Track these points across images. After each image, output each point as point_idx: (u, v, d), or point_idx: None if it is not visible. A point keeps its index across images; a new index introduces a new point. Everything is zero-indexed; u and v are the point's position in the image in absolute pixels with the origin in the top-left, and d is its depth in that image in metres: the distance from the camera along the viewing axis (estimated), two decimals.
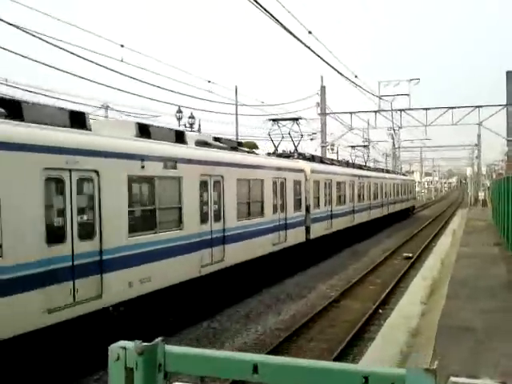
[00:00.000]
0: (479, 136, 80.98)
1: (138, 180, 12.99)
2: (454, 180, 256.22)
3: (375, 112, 46.12)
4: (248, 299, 19.24)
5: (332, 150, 64.67)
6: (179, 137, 15.58)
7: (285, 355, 12.93)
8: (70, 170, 10.39)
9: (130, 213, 12.18)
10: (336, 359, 12.50)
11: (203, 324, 15.98)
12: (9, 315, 9.08)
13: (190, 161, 15.08)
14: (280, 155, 26.44)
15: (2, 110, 9.72)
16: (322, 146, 45.47)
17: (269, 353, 12.74)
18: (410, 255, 29.33)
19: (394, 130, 66.79)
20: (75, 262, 10.38)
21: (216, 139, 18.57)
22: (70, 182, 10.37)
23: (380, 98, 43.81)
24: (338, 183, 31.33)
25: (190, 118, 37.98)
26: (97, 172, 11.05)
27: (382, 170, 55.84)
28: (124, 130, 13.11)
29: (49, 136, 10.01)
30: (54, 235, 10.05)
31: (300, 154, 27.91)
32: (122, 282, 11.83)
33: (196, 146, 16.64)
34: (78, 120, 11.21)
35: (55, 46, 18.62)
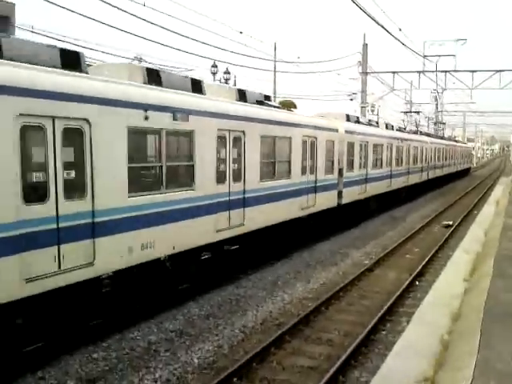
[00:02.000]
0: None
1: (141, 133, 11.30)
2: (496, 147, 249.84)
3: (419, 72, 43.79)
4: (277, 264, 18.52)
5: (372, 111, 62.25)
6: (196, 86, 13.76)
7: (312, 327, 12.45)
8: (53, 118, 8.83)
9: (130, 170, 10.46)
10: (368, 335, 11.70)
11: (228, 288, 15.31)
12: None
13: (204, 113, 13.31)
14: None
15: None
16: (362, 107, 43.27)
17: (295, 324, 12.18)
18: (450, 223, 28.20)
19: (437, 92, 63.98)
20: (60, 225, 8.88)
21: (240, 91, 16.60)
22: (54, 132, 8.79)
23: (424, 57, 41.45)
24: (375, 145, 29.61)
25: (225, 73, 36.25)
26: (87, 121, 9.41)
27: (429, 135, 53.65)
28: (130, 74, 11.41)
29: (27, 77, 8.38)
30: (34, 193, 8.56)
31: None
32: (118, 248, 10.39)
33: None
34: (70, 60, 9.54)
35: None
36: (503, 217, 23.83)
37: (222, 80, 36.41)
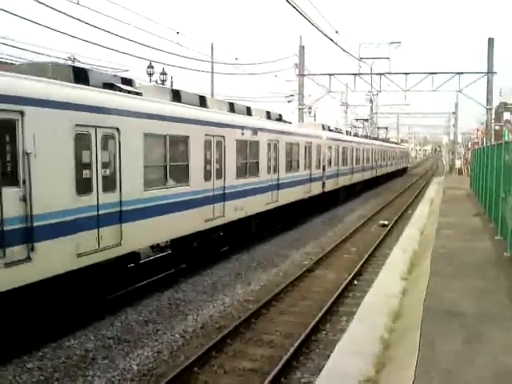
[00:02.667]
0: (457, 105, 79.99)
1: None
2: (428, 148, 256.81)
3: (355, 75, 44.33)
4: (216, 266, 18.33)
5: (309, 113, 62.81)
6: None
7: (253, 330, 12.39)
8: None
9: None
10: (309, 335, 11.69)
11: (167, 293, 15.05)
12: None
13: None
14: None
15: None
16: (300, 109, 43.52)
17: (236, 327, 12.09)
18: (386, 223, 28.74)
19: (372, 94, 65.17)
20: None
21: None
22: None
23: (360, 59, 42.10)
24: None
25: (161, 74, 35.74)
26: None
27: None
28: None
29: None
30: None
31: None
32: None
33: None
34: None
35: None
36: (437, 216, 24.39)
37: (159, 81, 35.90)
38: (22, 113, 9.53)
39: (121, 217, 12.35)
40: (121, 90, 12.99)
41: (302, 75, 43.69)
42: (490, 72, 42.52)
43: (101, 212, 11.64)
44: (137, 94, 13.67)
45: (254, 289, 15.78)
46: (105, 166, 11.84)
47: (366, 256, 19.85)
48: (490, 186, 22.09)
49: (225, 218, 18.13)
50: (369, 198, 44.54)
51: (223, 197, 17.93)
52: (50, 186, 10.26)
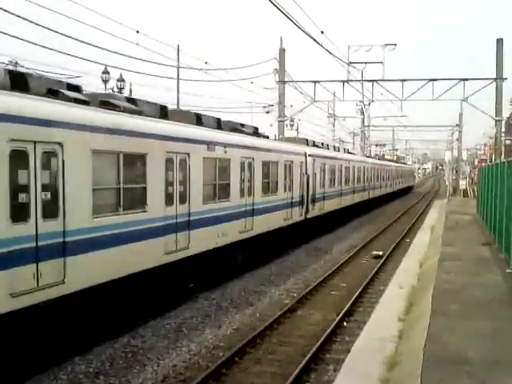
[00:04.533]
0: (461, 116, 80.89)
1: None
2: (429, 166, 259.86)
3: (343, 82, 44.60)
4: (181, 307, 18.11)
5: (291, 125, 63.21)
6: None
7: (223, 382, 12.25)
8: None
9: None
10: None
11: (122, 339, 14.79)
12: None
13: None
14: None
15: None
16: (280, 121, 43.57)
17: (204, 379, 11.89)
18: (380, 253, 28.84)
19: (363, 103, 65.76)
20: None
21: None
22: None
23: (349, 64, 42.31)
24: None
25: (118, 80, 35.68)
26: None
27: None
28: None
29: None
30: None
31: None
32: None
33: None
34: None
35: None
36: (440, 245, 24.49)
37: (116, 89, 35.87)
38: None
39: (64, 249, 12.12)
40: (66, 97, 12.85)
41: (282, 82, 43.87)
42: (498, 78, 43.09)
43: (40, 243, 11.40)
44: (84, 102, 13.53)
45: (225, 333, 15.65)
46: (45, 188, 11.63)
47: (357, 293, 19.81)
48: (500, 210, 22.24)
49: (189, 251, 17.95)
50: (360, 224, 44.77)
51: (188, 225, 17.78)
52: None
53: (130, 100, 16.18)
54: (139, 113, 15.91)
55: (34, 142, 11.36)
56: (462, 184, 74.22)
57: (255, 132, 25.70)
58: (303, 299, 19.30)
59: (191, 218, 17.95)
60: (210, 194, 19.54)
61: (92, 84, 37.32)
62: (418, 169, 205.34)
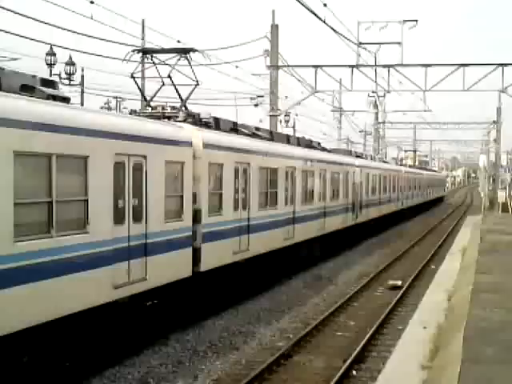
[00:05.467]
0: (499, 110, 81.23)
1: None
2: (459, 173, 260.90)
3: (352, 67, 44.69)
4: (148, 351, 18.02)
5: (286, 122, 63.28)
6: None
7: None
8: None
9: None
10: None
11: None
12: None
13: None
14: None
15: None
16: (272, 115, 43.54)
17: None
18: (399, 283, 29.02)
19: (377, 94, 65.96)
20: None
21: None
22: None
23: (359, 45, 42.46)
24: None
25: (67, 64, 35.65)
26: None
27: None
28: None
29: None
30: None
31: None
32: None
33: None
34: None
35: None
36: (473, 273, 24.55)
37: (64, 74, 35.89)
38: None
39: None
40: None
41: (275, 67, 43.80)
42: None
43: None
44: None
45: None
46: None
47: (370, 334, 19.86)
48: None
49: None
50: (374, 245, 44.92)
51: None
52: None
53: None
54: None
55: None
56: (501, 196, 74.52)
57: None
58: (301, 342, 19.32)
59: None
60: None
61: (33, 68, 37.23)
62: (447, 176, 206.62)
